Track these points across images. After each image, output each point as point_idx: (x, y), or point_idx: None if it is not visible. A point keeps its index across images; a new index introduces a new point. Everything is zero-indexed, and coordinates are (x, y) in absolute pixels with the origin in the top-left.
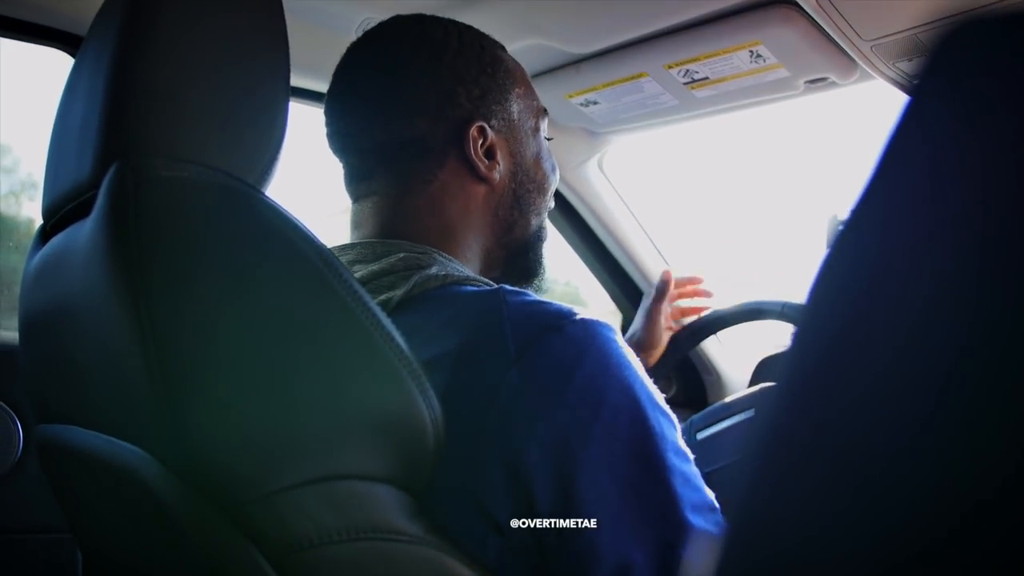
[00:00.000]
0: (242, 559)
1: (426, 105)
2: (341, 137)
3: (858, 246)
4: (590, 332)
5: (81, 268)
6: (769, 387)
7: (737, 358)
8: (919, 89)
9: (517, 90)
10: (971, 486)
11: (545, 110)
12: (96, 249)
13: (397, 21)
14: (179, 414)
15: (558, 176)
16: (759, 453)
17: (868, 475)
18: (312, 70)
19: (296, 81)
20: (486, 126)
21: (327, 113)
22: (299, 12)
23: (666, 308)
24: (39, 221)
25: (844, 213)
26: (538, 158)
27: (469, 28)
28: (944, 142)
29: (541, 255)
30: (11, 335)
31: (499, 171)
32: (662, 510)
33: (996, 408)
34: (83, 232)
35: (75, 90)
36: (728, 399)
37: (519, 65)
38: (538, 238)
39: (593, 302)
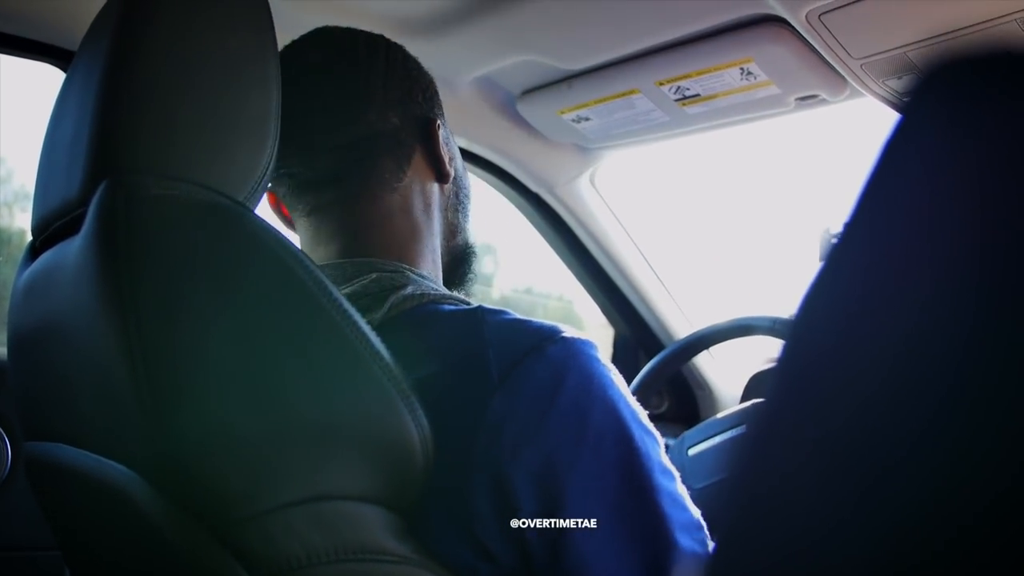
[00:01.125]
0: None
1: (394, 99)
2: (294, 140)
3: (851, 259)
4: (571, 352)
5: (70, 285)
6: (761, 403)
7: (729, 373)
8: (910, 106)
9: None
10: (963, 501)
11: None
12: (85, 267)
13: (329, 28)
14: (167, 433)
15: None
16: (745, 465)
17: (857, 489)
18: None
19: None
20: (441, 124)
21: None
22: (289, 30)
23: None
24: (31, 234)
25: (836, 227)
26: (464, 171)
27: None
28: (934, 158)
29: (475, 264)
30: (0, 351)
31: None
32: (651, 532)
33: (991, 420)
34: (72, 249)
35: (65, 105)
36: (720, 415)
37: None
38: (470, 246)
39: (586, 317)
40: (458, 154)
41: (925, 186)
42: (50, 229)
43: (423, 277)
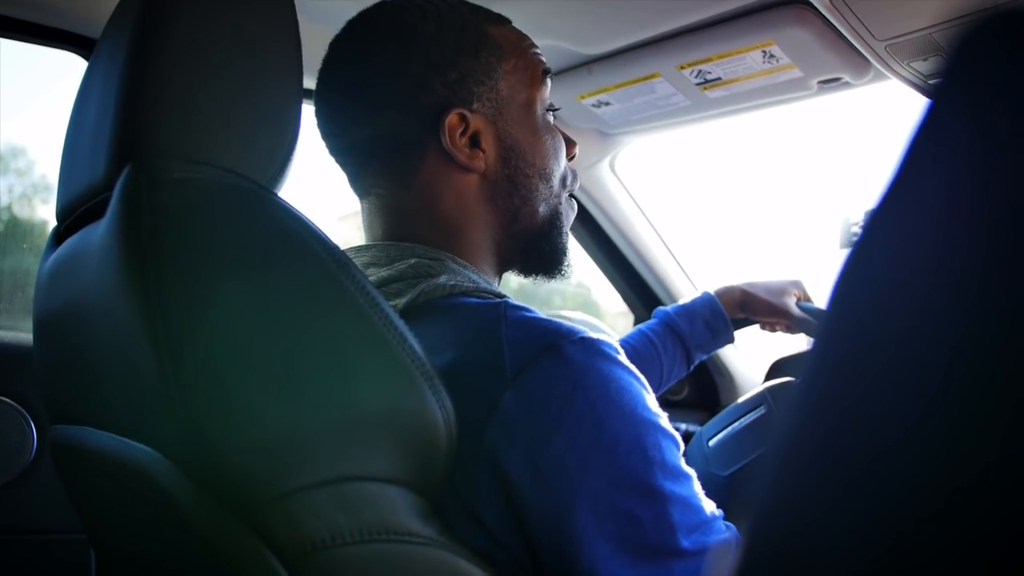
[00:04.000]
0: (255, 560)
1: (397, 96)
2: (326, 137)
3: (882, 245)
4: (591, 353)
5: (95, 269)
6: (776, 384)
7: (749, 359)
8: (939, 90)
9: (505, 66)
10: (964, 482)
11: (547, 71)
12: (110, 250)
13: (376, 8)
14: (191, 415)
15: (564, 156)
16: (780, 449)
17: (873, 470)
18: None
19: (308, 83)
20: (466, 112)
21: (315, 113)
22: (311, 14)
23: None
24: (52, 223)
25: (856, 214)
26: (536, 138)
27: (453, 6)
28: (966, 145)
29: (559, 243)
30: (26, 336)
31: (484, 159)
32: (659, 539)
33: (988, 407)
34: (97, 234)
35: (89, 92)
36: (737, 401)
37: (513, 34)
38: (552, 225)
39: (605, 304)
40: (523, 129)
41: (954, 174)
42: (74, 214)
43: (465, 268)
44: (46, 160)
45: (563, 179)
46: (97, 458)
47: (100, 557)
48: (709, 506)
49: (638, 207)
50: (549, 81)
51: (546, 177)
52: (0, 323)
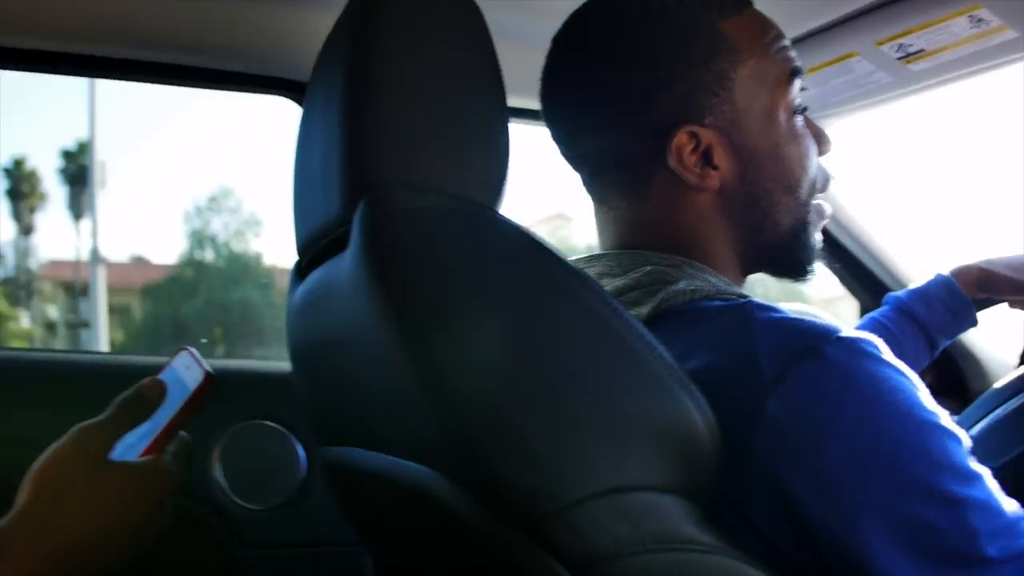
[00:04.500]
0: (543, 570)
1: (621, 112)
2: (556, 143)
3: None
4: (852, 352)
5: (347, 299)
6: None
7: (998, 340)
8: None
9: (742, 71)
10: None
11: (795, 71)
12: (359, 281)
13: (598, 4)
14: (463, 436)
15: (813, 161)
16: None
17: None
18: (522, 90)
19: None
20: (696, 130)
21: (543, 117)
22: (504, 35)
23: None
24: (264, 256)
25: None
26: (778, 148)
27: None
28: None
29: (801, 257)
30: (277, 364)
31: (719, 175)
32: (962, 548)
33: None
34: (342, 267)
35: (310, 133)
36: (996, 385)
37: (754, 27)
38: (795, 238)
39: (809, 291)
40: (764, 138)
41: None
42: (315, 249)
43: (703, 270)
44: (252, 198)
45: (811, 185)
46: (371, 477)
47: (380, 567)
48: (1011, 505)
49: (850, 190)
50: (798, 82)
51: (790, 189)
52: (236, 352)
